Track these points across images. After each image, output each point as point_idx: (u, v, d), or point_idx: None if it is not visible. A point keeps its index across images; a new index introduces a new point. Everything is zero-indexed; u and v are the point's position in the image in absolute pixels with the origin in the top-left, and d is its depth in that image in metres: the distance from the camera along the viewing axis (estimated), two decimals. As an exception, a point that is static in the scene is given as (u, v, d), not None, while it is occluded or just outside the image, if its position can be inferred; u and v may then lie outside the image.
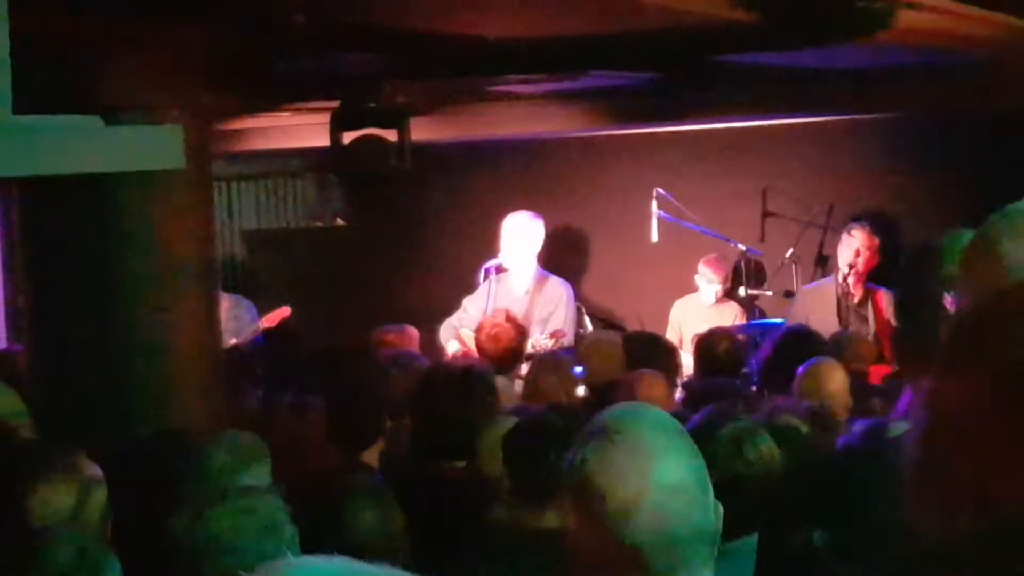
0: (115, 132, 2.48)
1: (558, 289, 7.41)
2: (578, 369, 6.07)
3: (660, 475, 1.98)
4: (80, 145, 2.29)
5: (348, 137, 5.69)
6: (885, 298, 7.14)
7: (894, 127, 8.01)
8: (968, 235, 2.12)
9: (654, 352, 5.62)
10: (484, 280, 7.58)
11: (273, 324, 7.58)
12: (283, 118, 7.45)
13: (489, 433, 3.77)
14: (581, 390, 5.95)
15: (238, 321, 7.28)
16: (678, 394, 5.94)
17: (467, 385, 4.05)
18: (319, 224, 10.00)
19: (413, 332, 6.64)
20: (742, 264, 8.18)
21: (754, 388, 5.29)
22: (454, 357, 6.83)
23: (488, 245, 7.73)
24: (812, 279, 8.05)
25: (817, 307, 7.41)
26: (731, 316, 7.87)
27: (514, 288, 7.42)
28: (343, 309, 8.54)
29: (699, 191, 8.40)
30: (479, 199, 8.78)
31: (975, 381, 1.04)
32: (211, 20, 4.34)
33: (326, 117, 5.76)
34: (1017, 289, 1.15)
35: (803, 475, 2.31)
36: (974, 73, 6.50)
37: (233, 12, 4.18)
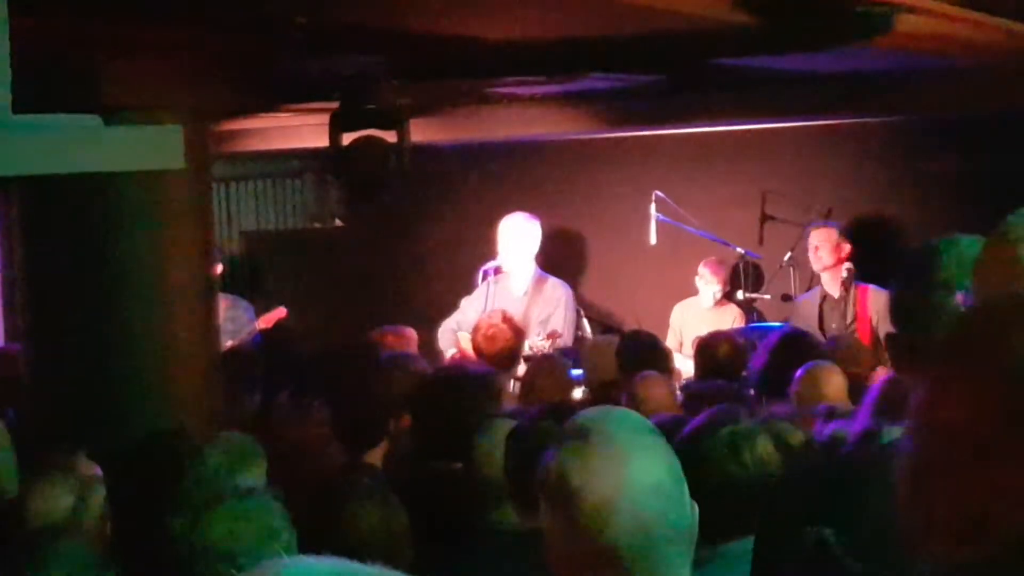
0: (114, 132, 2.48)
1: (557, 290, 7.41)
2: (578, 372, 6.08)
3: (635, 475, 1.98)
4: (79, 145, 2.29)
5: (347, 138, 5.69)
6: (872, 295, 7.17)
7: (893, 131, 8.02)
8: (964, 239, 2.12)
9: (648, 354, 5.62)
10: (482, 282, 7.58)
11: (269, 325, 7.59)
12: (282, 119, 7.45)
13: (487, 435, 3.77)
14: (580, 392, 5.96)
15: (235, 322, 7.28)
16: (677, 397, 5.95)
17: (466, 387, 4.05)
18: (318, 225, 10.00)
19: (411, 333, 6.64)
20: (740, 267, 8.18)
21: (752, 391, 5.29)
22: (453, 359, 6.83)
23: (486, 247, 7.73)
24: (810, 283, 8.06)
25: (804, 315, 7.49)
26: (731, 319, 7.87)
27: (512, 289, 7.41)
28: (342, 310, 8.54)
29: (698, 194, 8.40)
30: (478, 201, 8.79)
31: (974, 392, 1.04)
32: (211, 21, 4.34)
33: (325, 118, 5.76)
34: (1015, 297, 1.14)
35: (799, 478, 2.31)
36: (973, 77, 6.51)
37: (233, 13, 4.18)
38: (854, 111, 7.35)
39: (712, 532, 2.83)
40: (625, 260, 8.81)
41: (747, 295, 8.10)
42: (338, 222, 9.83)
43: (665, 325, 8.04)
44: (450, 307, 7.57)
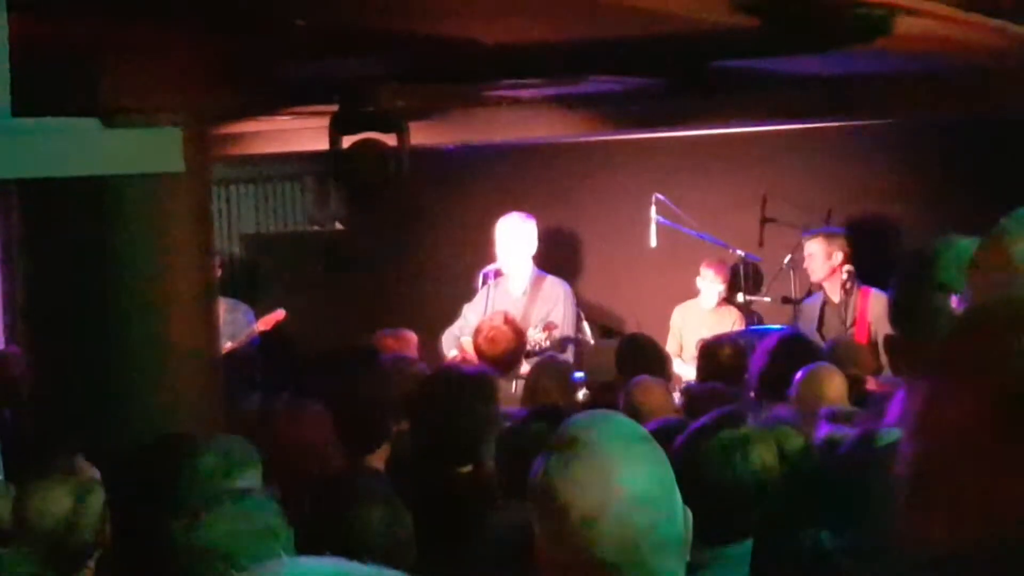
0: (114, 135, 2.48)
1: (555, 288, 7.41)
2: (579, 374, 6.08)
3: (622, 485, 1.96)
4: (79, 148, 2.29)
5: (347, 141, 5.68)
6: (873, 298, 7.17)
7: (893, 133, 8.02)
8: (962, 242, 2.12)
9: (646, 358, 5.61)
10: (483, 285, 7.58)
11: (268, 327, 7.59)
12: (282, 122, 7.45)
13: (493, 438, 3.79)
14: (582, 394, 5.96)
15: (234, 325, 7.28)
16: (677, 400, 5.94)
17: (461, 388, 4.05)
18: (318, 228, 10.00)
19: (412, 336, 6.64)
20: (740, 270, 8.18)
21: (752, 394, 5.29)
22: (452, 360, 6.83)
23: (487, 250, 7.73)
24: (809, 285, 8.06)
25: (806, 320, 7.50)
26: (731, 321, 7.87)
27: (511, 290, 7.42)
28: (342, 313, 8.54)
29: (698, 197, 8.41)
30: (478, 204, 8.79)
31: (972, 395, 1.04)
32: (210, 23, 4.34)
33: (325, 121, 5.75)
34: (1014, 299, 1.14)
35: (796, 481, 2.30)
36: (973, 79, 6.51)
37: (232, 15, 4.18)
38: (854, 113, 7.35)
39: (711, 535, 2.84)
40: (625, 263, 8.81)
41: (747, 298, 8.10)
42: (338, 225, 9.83)
43: (665, 327, 8.04)
44: (450, 310, 7.56)
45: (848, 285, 7.41)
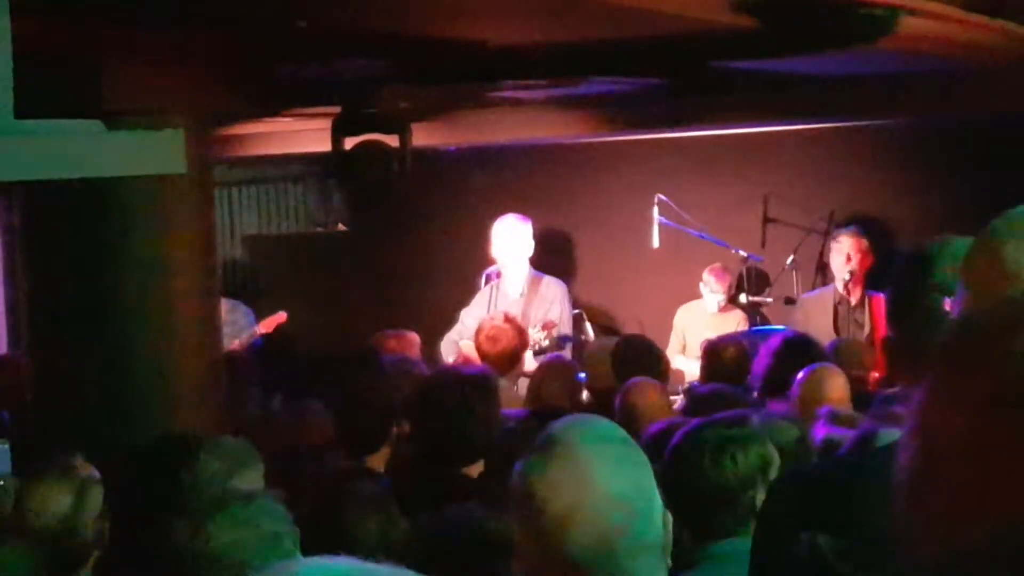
0: (117, 137, 2.48)
1: (552, 287, 7.40)
2: (581, 375, 6.07)
3: (598, 485, 1.97)
4: (82, 150, 2.29)
5: (349, 143, 5.68)
6: (884, 303, 7.12)
7: (895, 133, 8.02)
8: (959, 241, 2.12)
9: (643, 360, 5.60)
10: (485, 285, 7.59)
11: (270, 329, 7.59)
12: (284, 123, 7.45)
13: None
14: (584, 395, 5.95)
15: (235, 326, 7.28)
16: (679, 401, 5.94)
17: (466, 391, 4.05)
18: (320, 229, 10.01)
19: (414, 337, 6.64)
20: (743, 271, 8.18)
21: (755, 395, 5.28)
22: (454, 362, 6.83)
23: (489, 250, 7.73)
24: (813, 286, 8.06)
25: (815, 315, 7.43)
26: (735, 322, 7.87)
27: (509, 292, 7.42)
28: (344, 314, 8.54)
29: (700, 197, 8.41)
30: (480, 205, 8.79)
31: (972, 396, 1.03)
32: (213, 25, 4.34)
33: (327, 122, 5.75)
34: (1013, 300, 1.14)
35: (794, 482, 2.31)
36: (975, 79, 6.50)
37: (234, 17, 4.18)
38: (856, 114, 7.35)
39: (701, 534, 2.85)
40: (628, 263, 8.80)
41: (750, 298, 8.09)
42: (340, 226, 9.84)
43: (668, 328, 8.04)
44: (452, 311, 7.56)
45: (866, 287, 7.39)
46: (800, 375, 4.74)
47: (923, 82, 6.62)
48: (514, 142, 8.26)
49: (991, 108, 6.85)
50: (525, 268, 7.47)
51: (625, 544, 1.97)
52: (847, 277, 7.39)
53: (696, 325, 7.87)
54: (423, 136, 6.37)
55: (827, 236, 8.02)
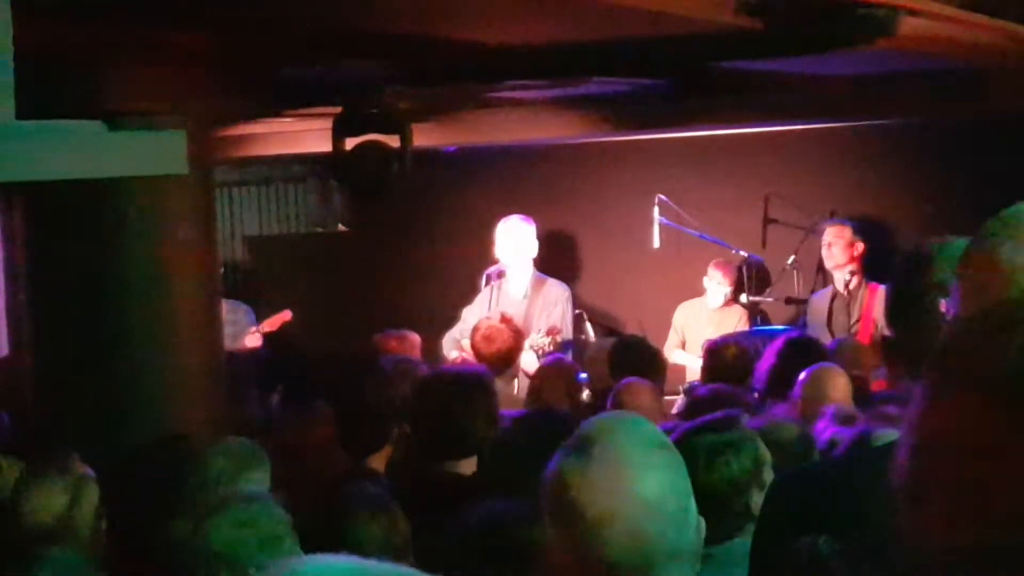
0: (118, 137, 2.48)
1: (556, 290, 7.41)
2: (583, 375, 6.07)
3: (636, 490, 1.94)
4: (83, 150, 2.29)
5: (350, 143, 5.69)
6: (881, 295, 7.15)
7: (895, 133, 8.02)
8: (957, 242, 2.12)
9: (640, 361, 5.60)
10: (486, 285, 7.59)
11: (274, 328, 7.59)
12: (285, 124, 7.45)
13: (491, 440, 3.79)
14: (585, 395, 5.95)
15: (236, 326, 7.29)
16: (679, 400, 5.94)
17: (463, 390, 4.05)
18: (321, 230, 10.01)
19: (415, 338, 6.65)
20: (744, 270, 8.18)
21: (756, 395, 5.29)
22: (452, 362, 6.83)
23: (490, 251, 7.73)
24: (813, 286, 8.06)
25: (817, 313, 7.50)
26: (735, 321, 7.87)
27: (512, 293, 7.42)
28: (345, 315, 8.54)
29: (701, 197, 8.41)
30: (480, 205, 8.78)
31: (971, 394, 1.04)
32: (214, 26, 4.35)
33: (328, 123, 5.76)
34: (1012, 300, 1.14)
35: (792, 483, 2.31)
36: (975, 79, 6.51)
37: (236, 18, 4.19)
38: (857, 114, 7.35)
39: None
40: (628, 264, 8.80)
41: (751, 298, 8.09)
42: (341, 227, 9.84)
43: (668, 328, 8.04)
44: (453, 311, 7.57)
45: (859, 278, 7.43)
46: (802, 376, 4.74)
47: (923, 82, 6.62)
48: (515, 142, 8.26)
49: (991, 108, 6.85)
50: (529, 269, 7.47)
51: (661, 549, 1.94)
52: (832, 266, 7.49)
53: (696, 322, 7.87)
54: (423, 136, 6.37)
55: (820, 236, 8.04)
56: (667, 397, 5.88)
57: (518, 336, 6.20)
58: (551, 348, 6.89)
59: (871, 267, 7.47)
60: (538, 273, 7.50)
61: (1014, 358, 1.02)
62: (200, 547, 2.68)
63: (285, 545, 2.71)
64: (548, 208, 8.30)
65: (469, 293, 7.73)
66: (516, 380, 6.46)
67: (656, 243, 8.17)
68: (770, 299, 8.21)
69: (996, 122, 7.31)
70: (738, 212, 8.45)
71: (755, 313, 8.15)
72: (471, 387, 4.06)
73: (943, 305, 2.02)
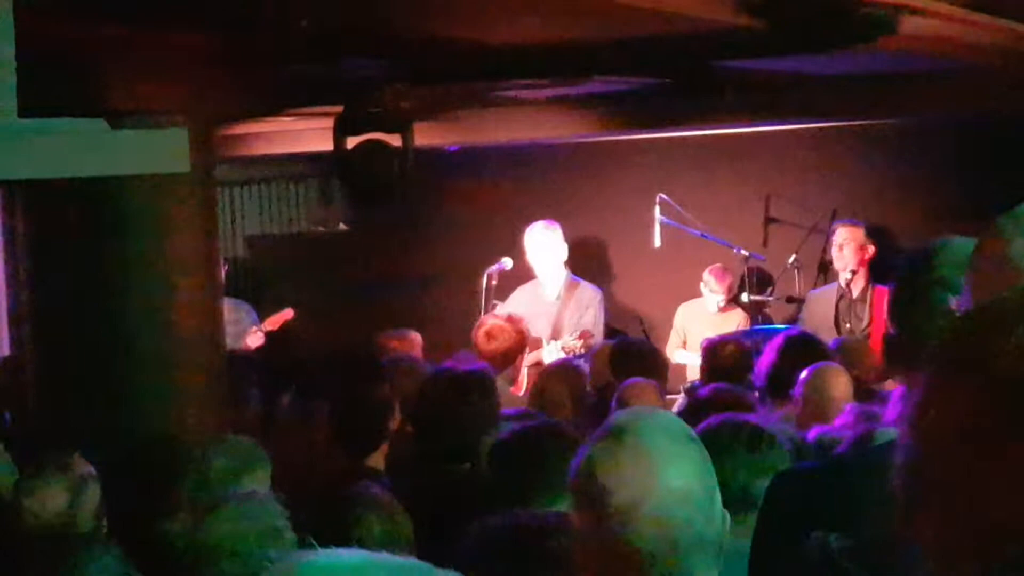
0: (119, 135, 2.48)
1: (588, 293, 7.54)
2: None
3: (665, 479, 1.97)
4: (84, 148, 2.29)
5: (352, 142, 5.69)
6: (886, 295, 7.13)
7: (897, 133, 8.02)
8: (961, 241, 2.12)
9: (640, 361, 5.60)
10: (486, 284, 7.61)
11: (276, 327, 7.59)
12: (287, 123, 7.45)
13: (491, 440, 3.79)
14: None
15: (238, 326, 7.29)
16: (679, 399, 5.94)
17: (463, 389, 4.05)
18: (322, 229, 10.01)
19: (416, 337, 6.65)
20: (745, 270, 8.18)
21: (756, 394, 5.28)
22: (452, 362, 6.83)
23: (491, 250, 7.73)
24: (815, 285, 8.06)
25: (819, 311, 7.47)
26: (736, 321, 7.87)
27: (545, 296, 7.52)
28: (346, 314, 8.55)
29: (702, 196, 8.41)
30: (482, 204, 8.79)
31: (969, 396, 1.03)
32: (215, 24, 4.35)
33: (330, 122, 5.75)
34: (1009, 298, 1.13)
35: (793, 482, 2.31)
36: (977, 78, 6.50)
37: (237, 16, 4.19)
38: (858, 113, 7.35)
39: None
40: (629, 263, 8.81)
41: (752, 298, 8.09)
42: (342, 226, 9.83)
43: (669, 327, 8.05)
44: (454, 310, 7.58)
45: (867, 281, 7.43)
46: (803, 374, 4.74)
47: (924, 82, 6.62)
48: (516, 142, 8.27)
49: (992, 107, 6.85)
50: (562, 272, 7.60)
51: (688, 537, 1.97)
52: (842, 268, 7.44)
53: (697, 323, 7.87)
54: (425, 135, 6.37)
55: (829, 235, 8.02)
56: (668, 396, 5.87)
57: (522, 336, 6.21)
58: (582, 351, 6.95)
59: (870, 267, 7.47)
60: (572, 276, 7.63)
61: (1013, 356, 1.02)
62: (200, 542, 2.69)
63: (285, 539, 2.71)
64: (549, 207, 8.29)
65: (470, 292, 7.73)
66: (516, 379, 6.45)
67: (657, 242, 8.18)
68: (771, 298, 8.20)
69: (997, 121, 7.30)
70: (739, 211, 8.45)
71: (756, 312, 8.15)
72: (471, 387, 4.07)
73: (952, 302, 2.02)
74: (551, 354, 7.05)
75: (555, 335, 7.27)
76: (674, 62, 5.91)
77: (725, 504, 2.09)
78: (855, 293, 7.47)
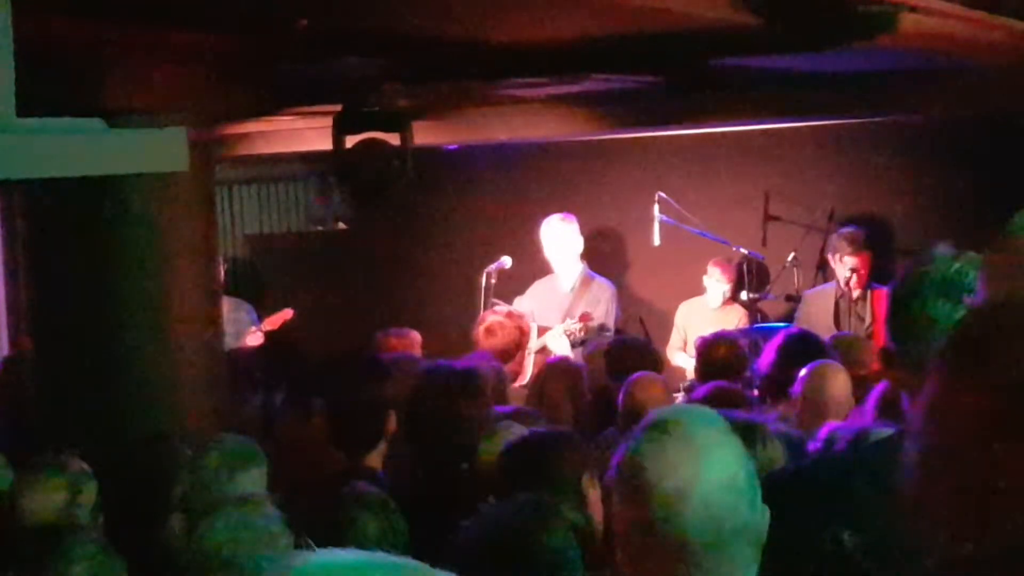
0: (118, 135, 2.49)
1: (602, 288, 7.60)
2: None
3: (711, 468, 2.00)
4: (84, 148, 2.29)
5: (350, 141, 5.69)
6: (885, 297, 7.11)
7: (896, 131, 8.01)
8: (957, 255, 2.13)
9: (637, 360, 5.60)
10: (485, 283, 7.61)
11: (275, 326, 7.59)
12: (285, 122, 7.45)
13: (491, 440, 3.79)
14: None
15: (237, 325, 7.29)
16: (679, 399, 5.94)
17: (457, 386, 4.05)
18: (321, 228, 10.01)
19: (415, 336, 6.65)
20: (744, 268, 8.18)
21: (755, 392, 5.28)
22: (451, 361, 6.84)
23: (490, 248, 7.73)
24: (814, 283, 8.05)
25: (817, 310, 7.46)
26: (736, 319, 7.87)
27: (560, 287, 7.58)
28: (345, 313, 8.55)
29: (701, 195, 8.40)
30: (481, 203, 8.79)
31: (979, 394, 1.03)
32: (214, 24, 4.35)
33: (328, 121, 5.76)
34: (1014, 303, 1.13)
35: (793, 479, 2.32)
36: (976, 76, 6.50)
37: (236, 16, 4.19)
38: (857, 111, 7.35)
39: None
40: (628, 261, 8.81)
41: (751, 295, 8.09)
42: (341, 225, 9.83)
43: (669, 326, 8.04)
44: (453, 309, 7.58)
45: (870, 280, 7.44)
46: (802, 373, 4.74)
47: (924, 80, 6.62)
48: (515, 140, 8.27)
49: (992, 105, 6.85)
50: (578, 266, 7.67)
51: (731, 530, 1.99)
52: (851, 269, 7.48)
53: (697, 322, 7.87)
54: (424, 134, 6.37)
55: (828, 234, 8.02)
56: (668, 395, 5.87)
57: (522, 332, 6.22)
58: (583, 334, 7.03)
59: (872, 267, 7.47)
60: (588, 271, 7.69)
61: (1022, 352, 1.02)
62: (196, 547, 2.69)
63: (281, 543, 2.71)
64: (548, 206, 8.29)
65: (469, 290, 7.73)
66: (516, 376, 6.45)
67: (656, 241, 8.17)
68: (770, 296, 8.20)
69: (996, 120, 7.30)
70: (738, 209, 8.44)
71: (755, 310, 8.15)
72: (466, 385, 4.06)
73: (967, 300, 2.03)
74: (553, 339, 7.12)
75: None
76: (673, 60, 5.92)
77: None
78: (855, 293, 7.46)
